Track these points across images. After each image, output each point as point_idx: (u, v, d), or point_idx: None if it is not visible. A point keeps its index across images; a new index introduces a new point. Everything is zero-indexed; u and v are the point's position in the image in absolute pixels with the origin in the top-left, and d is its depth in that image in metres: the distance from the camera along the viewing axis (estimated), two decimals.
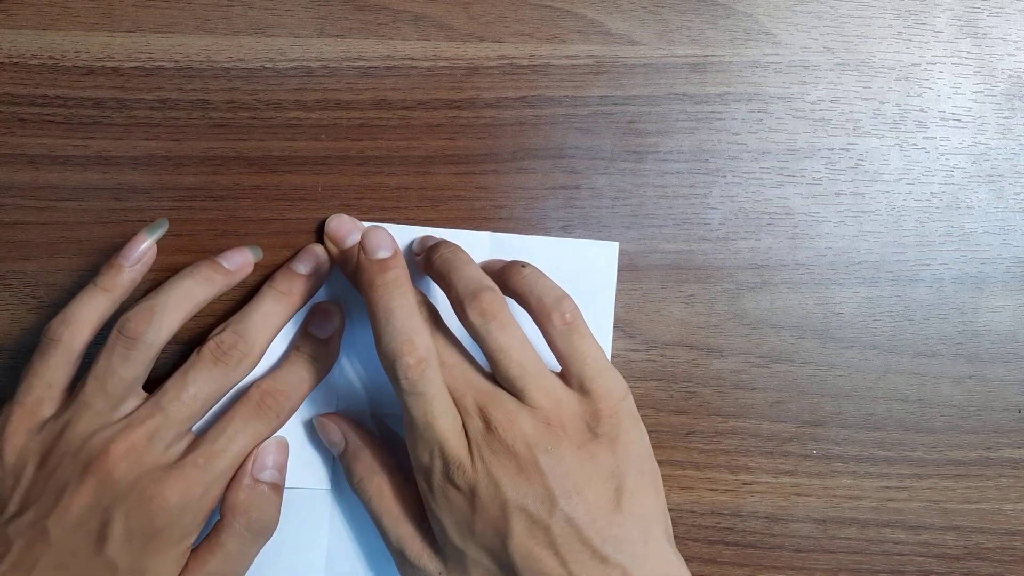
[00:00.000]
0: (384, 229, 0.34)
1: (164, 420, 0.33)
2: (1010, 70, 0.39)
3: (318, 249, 0.37)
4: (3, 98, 0.37)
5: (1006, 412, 0.39)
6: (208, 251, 0.38)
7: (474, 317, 0.32)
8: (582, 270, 0.38)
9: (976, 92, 0.39)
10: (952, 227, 0.39)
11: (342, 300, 0.38)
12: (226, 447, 0.33)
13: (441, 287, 0.35)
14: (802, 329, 0.39)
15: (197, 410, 0.34)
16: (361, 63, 0.38)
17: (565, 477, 0.31)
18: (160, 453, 0.33)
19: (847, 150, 0.39)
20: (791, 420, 0.39)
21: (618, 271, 0.38)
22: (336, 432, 0.37)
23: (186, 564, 0.33)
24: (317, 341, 0.37)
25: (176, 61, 0.38)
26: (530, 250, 0.38)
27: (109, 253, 0.38)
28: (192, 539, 0.33)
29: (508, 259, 0.37)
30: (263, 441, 0.35)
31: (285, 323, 0.36)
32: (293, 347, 0.37)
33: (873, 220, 0.39)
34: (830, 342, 0.39)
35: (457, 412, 0.32)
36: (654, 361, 0.39)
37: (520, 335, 0.33)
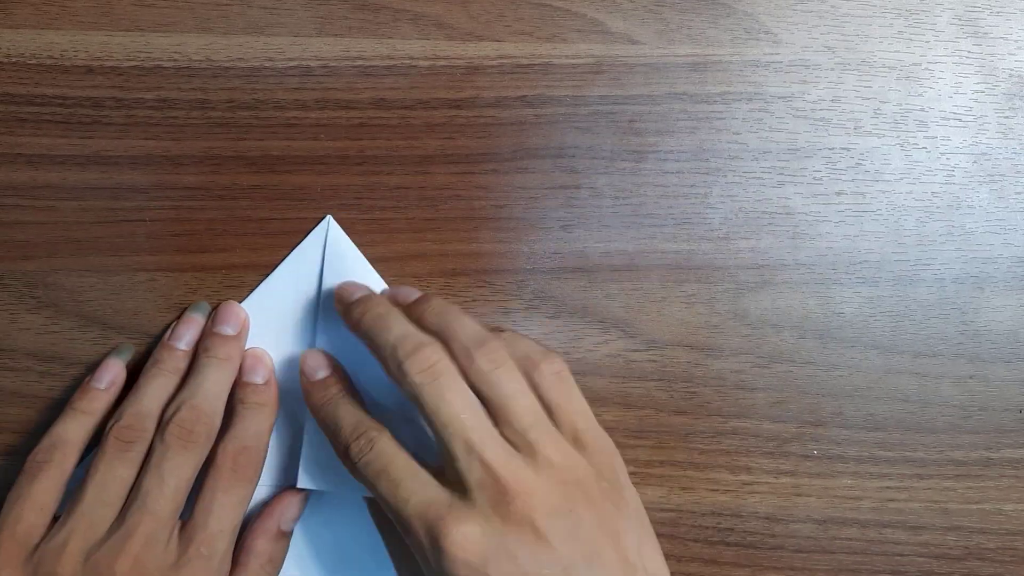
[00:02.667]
0: (320, 351, 0.36)
1: (156, 522, 0.33)
2: (1011, 69, 0.39)
3: (236, 307, 0.37)
4: (2, 98, 0.37)
5: (1007, 412, 0.39)
6: (206, 251, 0.38)
7: (483, 364, 0.31)
8: (327, 262, 0.38)
9: (977, 91, 0.39)
10: (953, 227, 0.39)
11: None
12: (220, 526, 0.33)
13: (443, 338, 0.33)
14: (803, 329, 0.39)
15: (181, 500, 0.34)
16: (360, 62, 0.38)
17: (584, 542, 0.30)
18: (161, 555, 0.32)
19: (848, 149, 0.39)
20: (792, 420, 0.39)
21: (619, 271, 0.38)
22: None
23: None
24: (257, 387, 0.36)
25: (175, 60, 0.38)
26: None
27: (108, 253, 0.38)
28: None
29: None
30: (249, 504, 0.35)
31: (230, 387, 0.36)
32: (238, 401, 0.36)
33: (874, 220, 0.39)
34: (831, 342, 0.39)
35: (436, 483, 0.31)
36: (654, 361, 0.39)
37: (525, 383, 0.32)
